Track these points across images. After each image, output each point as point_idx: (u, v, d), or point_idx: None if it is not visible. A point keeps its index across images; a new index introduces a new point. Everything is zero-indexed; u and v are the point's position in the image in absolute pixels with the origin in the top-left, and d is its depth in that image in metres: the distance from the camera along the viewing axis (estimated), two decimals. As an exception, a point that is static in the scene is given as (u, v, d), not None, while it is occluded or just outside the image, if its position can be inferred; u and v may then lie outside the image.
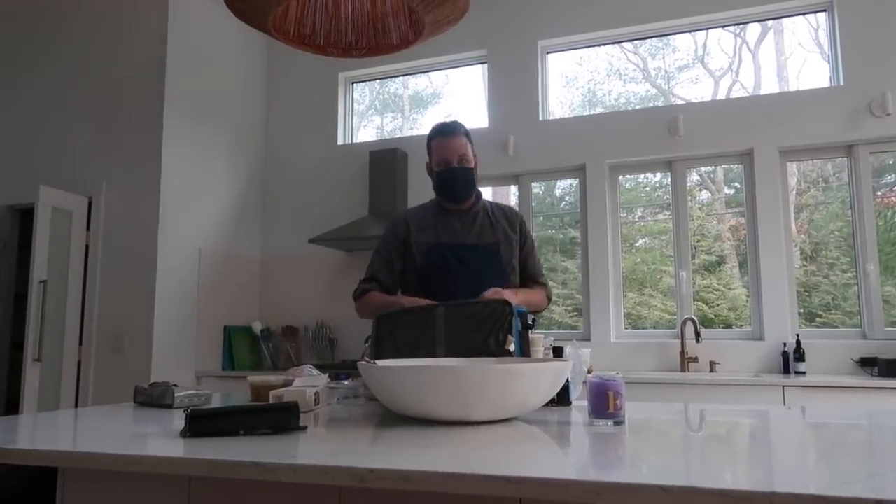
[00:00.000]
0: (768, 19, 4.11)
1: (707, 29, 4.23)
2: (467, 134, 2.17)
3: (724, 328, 3.94)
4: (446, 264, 2.08)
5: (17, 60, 4.52)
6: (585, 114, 4.42)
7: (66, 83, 4.35)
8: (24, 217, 4.30)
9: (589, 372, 1.71)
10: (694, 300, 3.99)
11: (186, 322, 4.15)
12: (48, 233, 3.82)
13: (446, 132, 2.14)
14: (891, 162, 3.80)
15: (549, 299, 2.28)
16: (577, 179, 4.32)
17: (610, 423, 1.33)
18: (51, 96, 4.38)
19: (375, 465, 0.94)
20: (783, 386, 3.14)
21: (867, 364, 3.42)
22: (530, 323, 1.85)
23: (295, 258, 4.80)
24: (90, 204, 4.11)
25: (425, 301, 1.97)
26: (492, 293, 1.92)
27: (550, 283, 2.38)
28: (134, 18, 4.24)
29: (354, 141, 5.00)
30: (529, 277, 2.24)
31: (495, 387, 1.28)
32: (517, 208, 3.56)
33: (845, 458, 0.99)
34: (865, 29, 3.76)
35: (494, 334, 1.75)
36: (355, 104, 5.09)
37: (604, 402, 1.33)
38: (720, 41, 4.23)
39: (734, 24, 4.17)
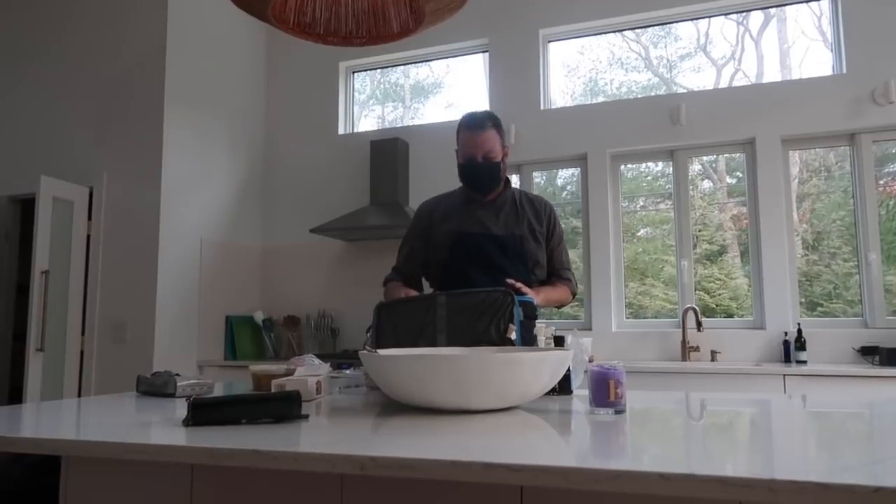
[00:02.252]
0: (771, 7, 4.08)
1: (709, 17, 4.20)
2: (497, 125, 2.12)
3: (725, 317, 3.94)
4: (468, 253, 2.07)
5: (17, 50, 4.50)
6: (587, 103, 4.40)
7: (66, 73, 4.34)
8: (26, 207, 4.30)
9: (590, 361, 1.71)
10: (695, 289, 3.99)
11: (188, 312, 4.16)
12: (49, 223, 3.82)
13: (474, 126, 2.10)
14: (893, 151, 3.78)
15: (574, 294, 2.23)
16: (579, 169, 4.31)
17: (611, 411, 1.33)
18: (51, 86, 4.37)
19: (376, 453, 0.94)
20: (784, 375, 3.14)
21: (868, 353, 3.42)
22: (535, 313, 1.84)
23: (296, 248, 4.80)
24: (91, 194, 4.11)
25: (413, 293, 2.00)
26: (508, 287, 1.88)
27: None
28: (134, 8, 4.22)
29: (355, 130, 4.99)
30: (553, 271, 2.19)
31: (496, 376, 1.28)
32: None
33: (846, 446, 0.99)
34: (868, 17, 3.73)
35: (496, 323, 1.75)
36: (356, 93, 5.07)
37: (605, 390, 1.33)
38: (722, 29, 4.20)
39: (737, 12, 4.14)
